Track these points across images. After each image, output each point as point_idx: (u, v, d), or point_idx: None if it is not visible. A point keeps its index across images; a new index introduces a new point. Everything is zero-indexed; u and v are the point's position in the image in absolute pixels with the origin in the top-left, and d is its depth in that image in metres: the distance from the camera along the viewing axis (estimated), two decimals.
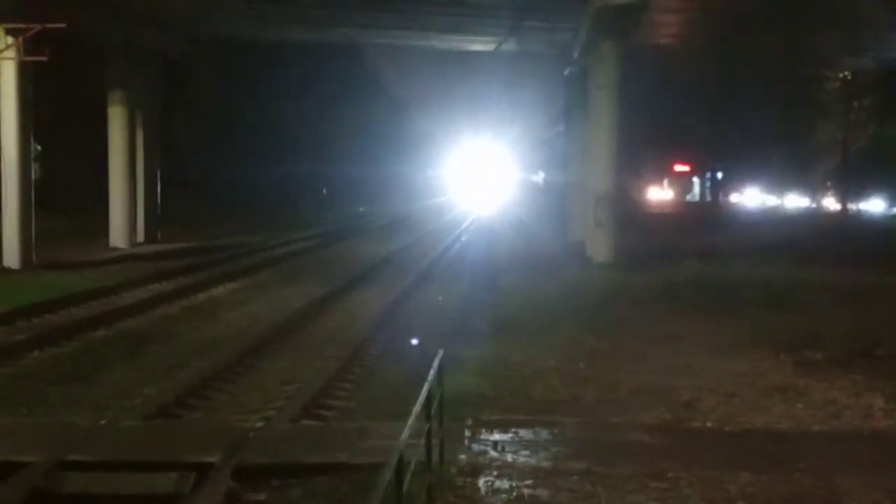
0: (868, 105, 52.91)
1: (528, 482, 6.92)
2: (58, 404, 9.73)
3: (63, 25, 21.22)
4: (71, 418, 8.99)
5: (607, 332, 13.50)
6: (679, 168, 68.93)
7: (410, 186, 69.02)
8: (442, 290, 20.00)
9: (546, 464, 7.33)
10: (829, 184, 63.76)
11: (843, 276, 20.56)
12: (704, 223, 41.11)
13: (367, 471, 6.78)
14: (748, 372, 11.08)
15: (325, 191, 53.83)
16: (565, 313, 15.26)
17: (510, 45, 30.06)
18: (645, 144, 47.37)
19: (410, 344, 13.22)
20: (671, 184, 74.38)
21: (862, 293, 17.76)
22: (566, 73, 32.24)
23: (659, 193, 71.35)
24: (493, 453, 7.61)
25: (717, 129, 51.65)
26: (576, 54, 28.37)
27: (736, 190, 68.83)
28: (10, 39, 21.91)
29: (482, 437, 8.04)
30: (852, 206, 56.96)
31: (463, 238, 35.73)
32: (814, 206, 62.76)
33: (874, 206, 60.51)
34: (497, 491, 6.79)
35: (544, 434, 8.14)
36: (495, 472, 7.13)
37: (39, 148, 30.70)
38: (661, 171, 68.92)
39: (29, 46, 21.77)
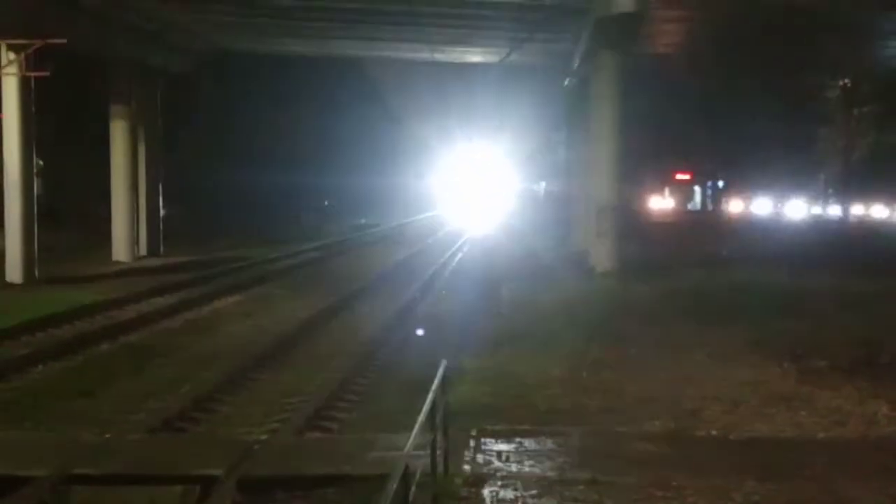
0: (868, 113, 52.97)
1: (533, 492, 6.92)
2: (62, 418, 9.74)
3: (65, 41, 21.31)
4: (76, 432, 9.00)
5: (611, 342, 13.50)
6: (680, 177, 68.93)
7: (409, 197, 69.06)
8: (444, 298, 20.03)
9: (551, 473, 7.33)
10: (830, 191, 63.78)
11: (846, 283, 20.54)
12: (706, 232, 41.11)
13: (372, 482, 6.77)
14: (752, 380, 11.08)
15: (326, 203, 53.90)
16: (568, 323, 15.26)
17: (511, 56, 30.15)
18: (646, 153, 47.43)
19: (413, 355, 13.21)
20: (672, 192, 74.32)
21: (865, 300, 17.74)
22: (566, 83, 32.32)
23: (660, 202, 71.28)
24: (497, 463, 7.61)
25: (718, 137, 51.74)
26: (576, 64, 28.44)
27: (739, 198, 68.81)
28: (12, 55, 22.01)
29: (487, 447, 8.04)
30: (854, 213, 56.99)
31: (466, 248, 35.75)
32: (818, 213, 62.70)
33: (877, 212, 60.49)
34: (502, 501, 6.79)
35: (549, 444, 8.14)
36: (500, 482, 7.13)
37: (42, 163, 30.79)
38: (663, 180, 68.88)
39: (32, 62, 21.86)
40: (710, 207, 64.29)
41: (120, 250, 28.45)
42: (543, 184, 63.45)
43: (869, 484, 7.14)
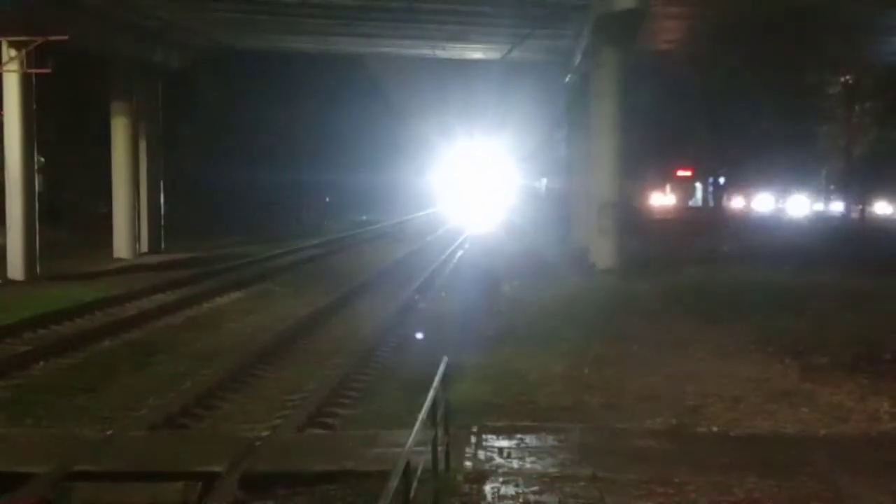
0: (870, 109, 52.89)
1: (535, 488, 6.93)
2: (64, 415, 9.75)
3: (66, 38, 21.31)
4: (78, 429, 9.01)
5: (612, 339, 13.50)
6: (681, 173, 68.88)
7: (410, 195, 69.03)
8: (446, 296, 20.03)
9: (552, 470, 7.34)
10: (832, 187, 63.73)
11: (848, 280, 20.53)
12: (707, 228, 41.09)
13: (373, 478, 6.78)
14: (754, 377, 11.08)
15: (327, 199, 53.88)
16: (569, 320, 15.26)
17: (512, 53, 30.13)
18: (647, 150, 47.37)
19: (414, 352, 13.22)
20: (674, 189, 74.29)
21: (866, 297, 17.73)
22: (567, 79, 32.30)
23: (661, 199, 71.26)
24: (499, 459, 7.61)
25: (719, 133, 51.66)
26: (577, 61, 28.42)
27: (742, 194, 68.75)
28: (13, 52, 22.02)
29: (488, 443, 8.05)
30: (856, 210, 56.92)
31: (467, 245, 35.76)
32: (820, 210, 62.65)
33: (880, 209, 60.43)
34: (503, 497, 6.79)
35: (550, 440, 8.15)
36: (501, 479, 7.13)
37: (43, 160, 30.80)
38: (664, 177, 68.84)
39: (33, 59, 21.86)
40: (711, 204, 64.20)
41: (121, 247, 28.47)
42: (545, 180, 63.39)
43: (870, 480, 7.14)
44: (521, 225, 43.71)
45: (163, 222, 31.00)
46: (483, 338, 13.96)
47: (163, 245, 30.59)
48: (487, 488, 6.94)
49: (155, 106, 30.80)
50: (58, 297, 18.45)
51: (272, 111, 45.07)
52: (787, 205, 65.40)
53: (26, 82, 22.34)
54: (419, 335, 14.67)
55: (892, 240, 37.18)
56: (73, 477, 7.14)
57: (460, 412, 8.62)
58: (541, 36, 27.18)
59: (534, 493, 6.85)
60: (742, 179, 63.50)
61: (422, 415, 5.76)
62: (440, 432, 6.53)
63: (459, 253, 32.03)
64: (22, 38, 21.64)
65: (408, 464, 4.79)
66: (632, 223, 29.81)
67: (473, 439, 8.14)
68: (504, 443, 8.06)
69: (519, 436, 8.25)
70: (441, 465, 6.62)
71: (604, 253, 23.44)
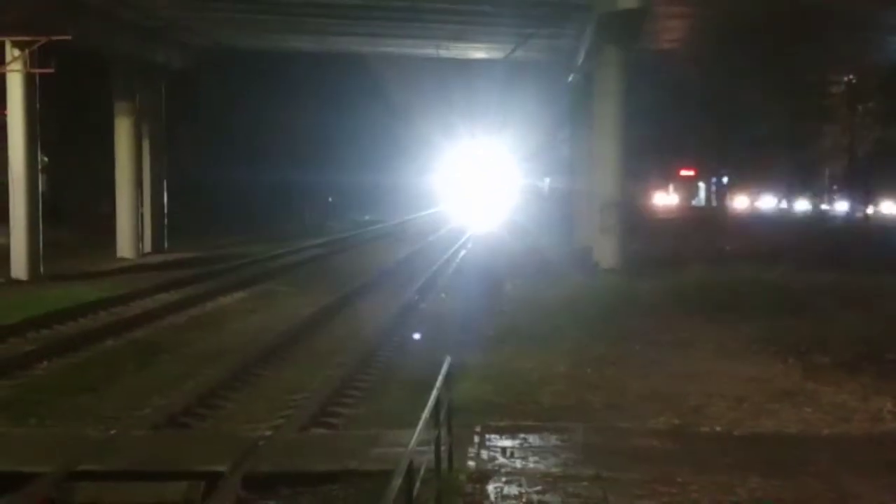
0: (873, 109, 52.80)
1: (538, 488, 6.93)
2: (67, 415, 9.77)
3: (69, 38, 21.34)
4: (81, 429, 9.03)
5: (615, 338, 13.50)
6: (684, 173, 68.81)
7: (412, 194, 69.03)
8: (448, 295, 20.04)
9: (555, 469, 7.34)
10: (835, 187, 63.64)
11: (851, 279, 20.49)
12: (710, 228, 41.05)
13: (376, 478, 6.79)
14: (756, 376, 11.08)
15: (329, 199, 53.88)
16: (572, 319, 15.25)
17: (515, 53, 30.12)
18: (650, 149, 47.33)
19: (417, 352, 13.22)
20: (677, 189, 74.22)
21: (869, 296, 17.70)
22: (570, 79, 32.27)
23: (664, 198, 71.20)
24: (502, 459, 7.61)
25: (722, 133, 51.61)
26: (580, 60, 28.40)
27: (745, 194, 68.71)
28: (16, 52, 22.05)
29: (491, 443, 8.06)
30: (860, 209, 56.85)
31: (470, 244, 35.77)
32: (824, 209, 62.57)
33: (887, 208, 60.34)
34: (506, 497, 6.79)
35: (553, 440, 8.15)
36: (504, 478, 7.13)
37: (46, 159, 30.83)
38: (667, 176, 68.76)
39: (36, 59, 21.89)
40: (714, 203, 64.14)
41: (124, 247, 28.51)
42: (548, 180, 63.36)
43: (873, 480, 7.14)
44: (523, 224, 43.67)
45: (166, 222, 31.04)
46: (485, 337, 13.97)
47: (166, 244, 30.62)
48: (490, 488, 6.94)
49: (157, 106, 30.82)
50: (61, 296, 18.48)
51: (274, 111, 45.11)
52: (791, 204, 65.33)
53: (29, 82, 22.38)
54: (421, 335, 14.67)
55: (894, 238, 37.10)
56: (76, 476, 7.15)
57: (463, 411, 8.62)
58: (544, 35, 27.17)
59: (537, 492, 6.85)
60: (745, 179, 63.47)
61: (425, 414, 5.76)
62: (443, 432, 6.53)
63: (462, 252, 32.03)
64: (25, 38, 21.69)
65: (411, 463, 4.79)
66: (635, 223, 29.78)
67: (476, 439, 8.14)
68: (507, 442, 8.06)
69: (522, 435, 8.25)
70: (444, 465, 6.62)
71: (606, 252, 23.42)
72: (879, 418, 9.25)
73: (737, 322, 14.92)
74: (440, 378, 6.61)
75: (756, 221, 53.40)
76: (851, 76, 48.89)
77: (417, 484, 5.14)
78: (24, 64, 21.93)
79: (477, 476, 7.15)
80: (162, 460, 7.56)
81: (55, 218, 28.00)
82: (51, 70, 22.03)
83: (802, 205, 64.69)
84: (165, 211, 31.03)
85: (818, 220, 53.63)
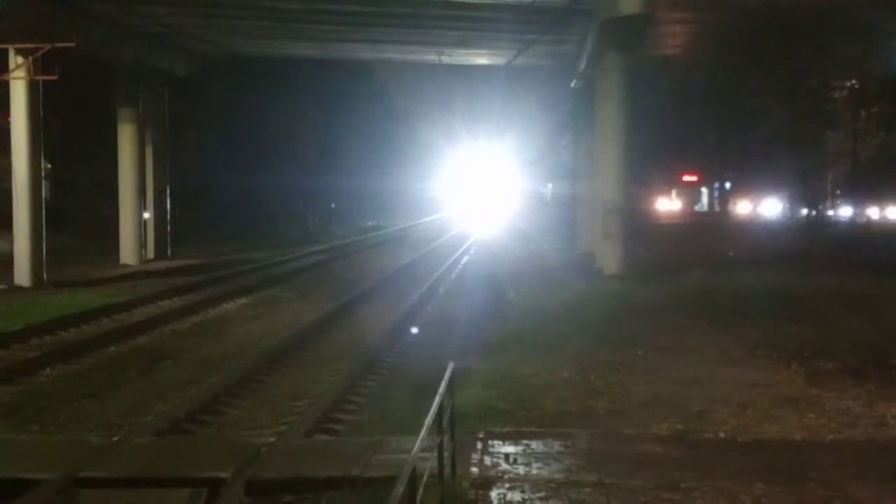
0: (876, 114, 52.80)
1: (541, 494, 6.91)
2: (70, 421, 9.77)
3: (73, 45, 21.40)
4: (83, 435, 9.02)
5: (618, 344, 13.47)
6: (687, 178, 68.77)
7: (415, 200, 69.14)
8: (451, 301, 20.03)
9: (558, 476, 7.32)
10: (838, 192, 63.60)
11: (855, 284, 20.47)
12: (714, 233, 41.02)
13: (379, 485, 6.77)
14: (760, 382, 11.05)
15: (333, 205, 53.94)
16: (575, 325, 15.23)
17: (518, 59, 30.16)
18: (653, 154, 47.32)
19: (420, 357, 13.21)
20: (679, 194, 74.16)
21: (873, 302, 17.67)
22: (573, 84, 32.30)
23: (667, 204, 71.14)
24: (505, 465, 7.60)
25: (725, 138, 51.60)
26: (582, 66, 28.44)
27: (748, 199, 68.62)
28: (20, 59, 22.10)
29: (494, 449, 8.03)
30: (861, 214, 56.86)
31: (472, 250, 35.79)
32: (829, 214, 62.47)
33: (892, 213, 60.27)
34: (509, 503, 6.78)
35: (556, 446, 8.13)
36: (507, 485, 7.12)
37: (49, 166, 30.90)
38: (670, 182, 68.72)
39: (39, 66, 21.94)
40: (717, 209, 64.09)
41: (127, 253, 28.55)
42: (550, 186, 63.39)
43: (878, 486, 7.11)
44: (526, 230, 43.69)
45: (169, 228, 31.07)
46: (489, 343, 13.95)
47: (169, 251, 30.65)
48: (493, 494, 6.92)
49: (161, 112, 30.90)
50: (64, 303, 18.52)
51: (277, 117, 45.17)
52: (793, 209, 65.23)
53: (33, 89, 22.45)
54: (425, 341, 14.66)
55: None
56: (79, 483, 7.14)
57: (466, 417, 8.61)
58: (546, 41, 27.22)
59: (540, 499, 6.84)
60: (748, 184, 63.36)
61: (428, 420, 5.75)
62: (446, 438, 6.52)
63: (465, 258, 32.04)
64: (29, 45, 21.73)
65: (414, 470, 4.79)
66: (637, 228, 29.76)
67: (479, 445, 8.12)
68: (510, 448, 8.04)
69: (525, 441, 8.24)
70: (447, 471, 6.61)
71: (609, 258, 23.42)
72: (884, 424, 9.21)
73: (740, 327, 14.90)
74: (443, 384, 6.60)
75: (759, 226, 53.37)
76: (854, 81, 48.91)
77: (420, 490, 5.13)
78: (28, 71, 21.98)
79: (480, 482, 7.13)
80: (165, 467, 7.55)
81: (58, 224, 28.07)
82: (54, 77, 22.07)
83: (805, 210, 64.61)
84: (168, 217, 31.07)
85: (821, 225, 53.53)
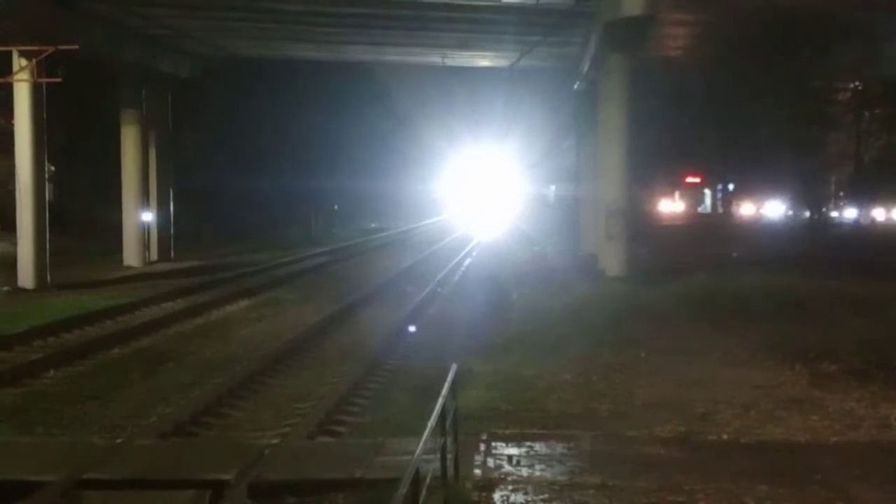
0: (879, 115, 52.76)
1: (544, 496, 6.90)
2: (74, 423, 9.78)
3: (76, 47, 21.43)
4: (87, 437, 9.03)
5: (621, 346, 13.46)
6: (690, 180, 68.76)
7: (417, 202, 69.14)
8: (454, 303, 20.02)
9: (562, 478, 7.31)
10: (841, 193, 63.56)
11: (858, 286, 20.44)
12: (717, 235, 40.99)
13: (382, 486, 6.77)
14: (764, 384, 11.04)
15: (335, 207, 53.95)
16: (578, 327, 15.23)
17: (521, 61, 30.14)
18: (656, 156, 47.30)
19: (423, 358, 13.21)
20: (683, 196, 74.17)
21: (877, 303, 17.65)
22: (576, 86, 32.29)
23: (670, 205, 71.12)
24: (508, 467, 7.59)
25: (728, 140, 51.58)
26: (585, 68, 28.42)
27: (751, 200, 68.58)
28: (23, 61, 22.14)
29: (497, 451, 8.03)
30: (871, 216, 56.84)
31: (475, 252, 35.79)
32: (834, 216, 62.41)
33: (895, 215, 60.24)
34: None
35: (559, 448, 8.12)
36: (511, 487, 7.11)
37: (53, 168, 30.95)
38: (673, 183, 68.73)
39: (43, 68, 21.98)
40: (720, 210, 64.06)
41: (130, 255, 28.58)
42: (553, 188, 63.37)
43: (882, 488, 7.10)
44: (529, 232, 43.68)
45: (172, 230, 31.10)
46: (492, 345, 13.95)
47: (172, 253, 30.68)
48: (497, 496, 6.92)
49: (164, 114, 30.94)
50: (68, 305, 18.54)
51: (280, 119, 45.20)
52: (796, 211, 65.18)
53: (37, 92, 22.46)
54: (428, 342, 14.66)
55: None
56: (82, 485, 7.15)
57: (469, 419, 8.62)
58: (549, 43, 27.20)
59: (543, 500, 6.83)
60: (751, 186, 63.33)
61: (431, 422, 5.75)
62: (449, 440, 6.52)
63: (468, 261, 32.04)
64: (32, 48, 21.77)
65: (417, 472, 4.79)
66: (640, 230, 29.75)
67: (482, 447, 8.12)
68: (513, 450, 8.04)
69: (528, 443, 8.23)
70: (450, 473, 6.61)
71: (612, 260, 23.39)
72: (888, 426, 9.20)
73: (744, 329, 14.89)
74: (446, 386, 6.60)
75: (762, 228, 53.32)
76: (857, 83, 48.85)
77: (423, 492, 5.13)
78: (32, 73, 22.01)
79: (483, 484, 7.13)
80: (168, 469, 7.56)
81: (62, 226, 28.08)
82: (58, 80, 22.10)
83: (809, 211, 64.57)
84: (172, 219, 31.10)
85: (825, 227, 53.48)
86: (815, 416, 9.52)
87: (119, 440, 8.67)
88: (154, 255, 29.78)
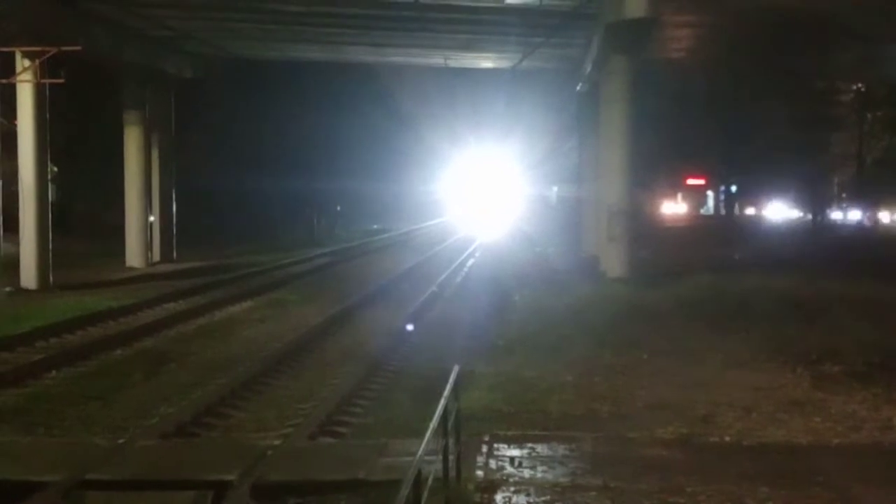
0: (882, 117, 52.70)
1: (546, 498, 6.90)
2: (76, 424, 9.79)
3: (79, 48, 21.45)
4: (89, 438, 9.04)
5: (623, 347, 13.46)
6: (693, 181, 68.73)
7: (419, 203, 69.16)
8: (456, 304, 20.02)
9: (563, 479, 7.31)
10: (844, 195, 63.51)
11: (861, 288, 20.43)
12: (719, 236, 40.97)
13: (384, 487, 6.78)
14: (765, 386, 11.03)
15: (338, 208, 53.98)
16: (580, 328, 15.22)
17: (523, 62, 30.16)
18: (658, 158, 47.31)
19: (425, 359, 13.21)
20: (685, 197, 74.13)
21: (879, 305, 17.63)
22: (578, 87, 32.31)
23: (673, 207, 71.08)
24: (509, 469, 7.59)
25: (731, 141, 51.58)
26: (588, 69, 28.44)
27: (754, 202, 68.56)
28: (26, 62, 22.17)
29: (499, 452, 8.03)
30: (868, 218, 56.77)
31: (477, 254, 35.79)
32: (838, 217, 62.38)
33: None
34: None
35: (561, 450, 8.12)
36: (512, 488, 7.11)
37: (56, 169, 30.98)
38: (675, 185, 68.68)
39: (46, 69, 22.01)
40: (723, 212, 64.03)
41: (133, 256, 28.60)
42: (555, 189, 63.40)
43: (884, 490, 7.10)
44: (531, 233, 43.69)
45: (175, 231, 31.13)
46: (494, 346, 13.95)
47: (175, 254, 30.70)
48: (498, 498, 6.92)
49: (167, 115, 30.97)
50: (70, 306, 18.55)
51: (282, 120, 45.24)
52: (799, 213, 65.15)
53: (40, 92, 22.49)
54: (430, 343, 14.66)
55: None
56: (84, 485, 7.17)
57: (471, 420, 8.62)
58: (552, 45, 27.21)
59: (545, 502, 6.83)
60: (754, 187, 63.32)
61: (433, 424, 5.76)
62: (451, 441, 6.53)
63: (470, 262, 32.03)
64: (35, 49, 21.80)
65: (419, 473, 4.80)
66: (643, 231, 29.73)
67: (484, 448, 8.12)
68: (515, 452, 8.03)
69: (530, 445, 8.23)
70: (452, 475, 6.61)
71: (614, 261, 23.39)
72: (890, 428, 9.19)
73: (745, 331, 14.86)
74: (448, 387, 6.61)
75: (765, 230, 53.27)
76: (860, 84, 48.82)
77: (425, 494, 5.13)
78: (35, 74, 22.03)
79: (485, 486, 7.13)
80: (170, 469, 7.57)
81: (64, 227, 28.15)
82: (61, 80, 22.13)
83: (812, 212, 64.55)
84: (174, 220, 31.12)
85: (828, 229, 53.43)
86: (817, 418, 9.51)
87: (121, 441, 8.68)
88: (156, 256, 29.80)
